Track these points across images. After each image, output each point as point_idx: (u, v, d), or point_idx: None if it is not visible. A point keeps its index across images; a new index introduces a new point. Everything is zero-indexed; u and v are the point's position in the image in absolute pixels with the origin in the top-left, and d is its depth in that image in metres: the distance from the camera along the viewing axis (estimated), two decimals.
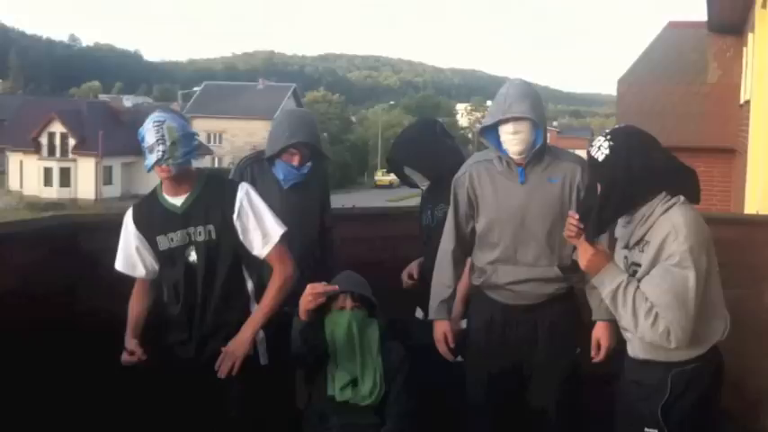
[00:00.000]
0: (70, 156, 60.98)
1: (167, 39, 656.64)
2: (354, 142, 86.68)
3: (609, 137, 3.28)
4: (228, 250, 3.77)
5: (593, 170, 3.34)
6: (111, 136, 58.59)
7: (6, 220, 5.08)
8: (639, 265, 3.27)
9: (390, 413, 3.87)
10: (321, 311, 3.90)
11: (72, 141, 60.88)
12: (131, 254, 3.84)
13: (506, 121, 3.78)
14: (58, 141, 61.59)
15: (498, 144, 3.88)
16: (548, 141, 3.92)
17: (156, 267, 3.85)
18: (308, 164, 4.51)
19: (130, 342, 3.74)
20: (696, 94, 15.34)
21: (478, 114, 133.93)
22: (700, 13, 14.33)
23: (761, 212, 6.65)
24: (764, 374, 4.84)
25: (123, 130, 60.26)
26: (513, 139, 3.78)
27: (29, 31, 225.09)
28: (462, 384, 4.09)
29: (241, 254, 3.80)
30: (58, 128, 61.50)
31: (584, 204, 3.47)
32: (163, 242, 3.76)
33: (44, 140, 61.85)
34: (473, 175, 3.97)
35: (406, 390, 3.94)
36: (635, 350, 3.37)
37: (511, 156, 3.84)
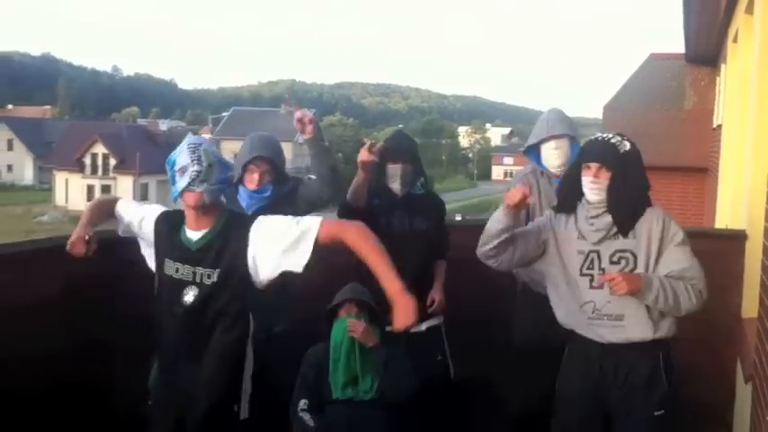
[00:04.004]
0: (111, 174, 61.38)
1: (199, 69, 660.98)
2: None
3: (625, 138, 3.38)
4: (230, 295, 3.10)
5: (616, 157, 3.31)
6: (147, 156, 58.86)
7: (53, 233, 5.05)
8: (627, 251, 3.31)
9: (390, 399, 3.82)
10: (330, 319, 3.93)
11: (113, 161, 61.32)
12: (135, 223, 3.34)
13: (548, 139, 4.18)
14: (100, 161, 62.08)
15: (539, 161, 4.26)
16: None
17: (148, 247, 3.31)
18: (269, 186, 4.02)
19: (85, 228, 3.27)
20: (674, 118, 15.33)
21: (478, 136, 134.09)
22: (678, 45, 14.35)
23: (729, 227, 6.63)
24: (731, 374, 4.83)
25: (159, 151, 60.59)
26: (554, 154, 4.16)
27: (76, 63, 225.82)
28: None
29: (244, 296, 3.14)
30: (100, 149, 62.02)
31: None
32: (169, 267, 3.17)
33: (87, 160, 62.32)
34: (527, 184, 4.12)
35: (404, 376, 3.88)
36: (632, 333, 3.30)
37: (550, 169, 4.18)
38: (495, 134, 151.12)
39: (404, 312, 2.88)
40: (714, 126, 13.05)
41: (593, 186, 3.33)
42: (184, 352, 3.15)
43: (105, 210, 3.44)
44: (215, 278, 3.09)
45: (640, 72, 17.46)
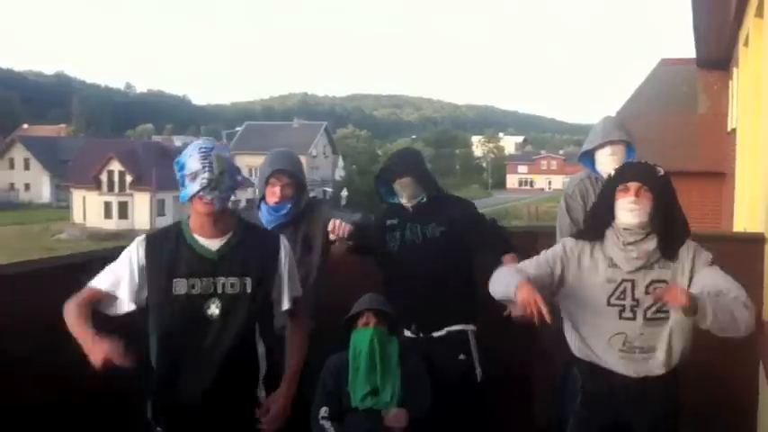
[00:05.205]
0: (127, 191, 61.60)
1: (212, 84, 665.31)
2: None
3: (658, 166, 3.25)
4: (257, 307, 3.06)
5: (655, 179, 3.17)
6: (163, 172, 58.93)
7: (72, 250, 5.06)
8: (662, 282, 3.12)
9: (411, 412, 3.80)
10: (347, 329, 3.94)
11: (129, 178, 61.57)
12: (123, 281, 3.03)
13: (604, 145, 4.17)
14: (116, 178, 62.34)
15: (593, 168, 4.25)
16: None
17: (143, 300, 3.04)
18: (287, 203, 4.01)
19: (101, 342, 2.78)
20: (688, 123, 15.31)
21: (491, 145, 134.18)
22: (689, 50, 14.34)
23: (747, 230, 6.61)
24: (752, 374, 4.80)
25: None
26: (610, 160, 4.08)
27: (89, 81, 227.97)
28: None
29: (265, 311, 3.16)
30: (116, 166, 62.32)
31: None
32: (180, 286, 2.98)
33: (104, 178, 62.61)
34: (583, 189, 4.27)
35: (422, 390, 3.90)
36: (662, 365, 3.19)
37: (604, 175, 4.01)
38: (509, 143, 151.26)
39: (281, 411, 3.10)
40: (729, 130, 13.02)
41: (634, 207, 3.12)
42: (203, 365, 3.00)
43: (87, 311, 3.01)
44: (245, 288, 3.01)
45: (652, 78, 17.50)
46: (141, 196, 60.70)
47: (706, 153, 14.35)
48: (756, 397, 4.81)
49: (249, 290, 3.01)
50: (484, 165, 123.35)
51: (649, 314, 3.14)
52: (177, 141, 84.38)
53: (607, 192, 3.25)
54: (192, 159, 2.93)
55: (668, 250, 3.15)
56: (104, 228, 59.06)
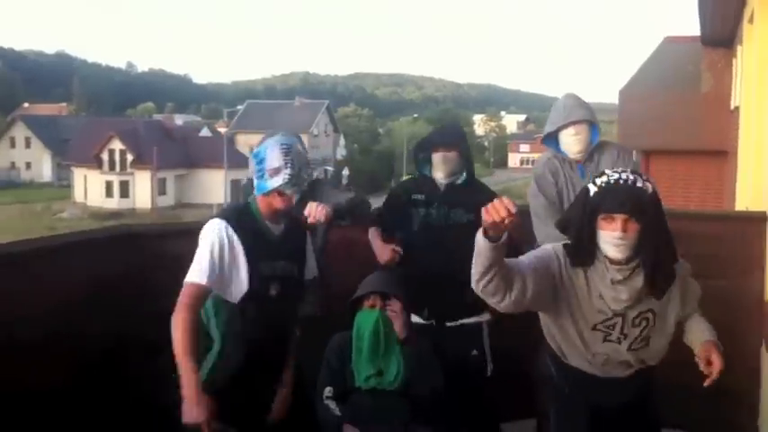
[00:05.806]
0: (128, 170, 61.55)
1: (213, 63, 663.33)
2: (382, 152, 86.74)
3: (643, 176, 2.88)
4: (302, 290, 3.41)
5: (644, 204, 2.79)
6: (164, 151, 59.06)
7: (74, 229, 5.05)
8: (649, 311, 2.96)
9: (417, 392, 3.77)
10: (354, 308, 3.90)
11: (130, 157, 61.49)
12: (225, 271, 3.11)
13: (567, 126, 4.09)
14: (117, 157, 62.26)
15: (558, 149, 4.20)
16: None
17: (243, 290, 3.15)
18: None
19: (204, 401, 2.89)
20: (691, 102, 15.21)
21: (493, 124, 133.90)
22: (693, 28, 14.27)
23: (750, 209, 6.59)
24: (754, 356, 4.81)
25: (175, 146, 61.13)
26: (574, 141, 4.07)
27: (90, 60, 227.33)
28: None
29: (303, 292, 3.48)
30: (117, 145, 62.21)
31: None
32: (266, 269, 3.17)
33: (105, 157, 62.52)
34: (553, 167, 4.20)
35: (432, 371, 3.85)
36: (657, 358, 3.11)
37: (571, 156, 4.11)
38: (511, 121, 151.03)
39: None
40: (732, 108, 12.96)
41: (620, 243, 2.79)
42: (264, 347, 3.23)
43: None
44: (293, 272, 3.27)
45: (655, 56, 17.36)
46: (142, 175, 60.65)
47: (709, 131, 14.27)
48: (759, 378, 4.82)
49: (297, 273, 3.30)
50: (486, 144, 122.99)
51: (635, 345, 3.00)
52: (178, 120, 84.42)
53: (589, 215, 2.84)
54: (273, 156, 3.13)
55: (659, 288, 2.90)
56: (105, 207, 59.10)
